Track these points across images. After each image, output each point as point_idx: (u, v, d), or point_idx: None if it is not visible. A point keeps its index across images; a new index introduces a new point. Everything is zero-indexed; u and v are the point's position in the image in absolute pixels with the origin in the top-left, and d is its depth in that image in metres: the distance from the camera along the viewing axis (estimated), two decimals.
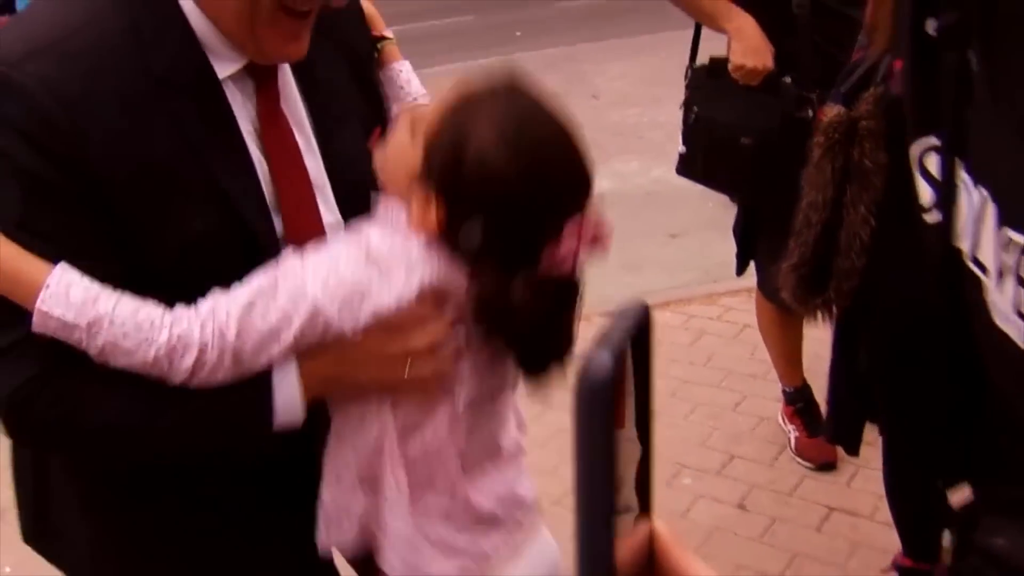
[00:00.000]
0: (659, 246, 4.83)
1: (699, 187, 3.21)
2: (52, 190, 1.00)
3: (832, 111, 1.74)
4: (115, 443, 1.10)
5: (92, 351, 0.99)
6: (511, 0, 11.34)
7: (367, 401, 1.14)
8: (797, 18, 2.55)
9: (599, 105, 7.34)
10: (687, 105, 2.88)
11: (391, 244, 1.06)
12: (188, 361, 1.01)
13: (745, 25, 2.61)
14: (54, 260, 0.98)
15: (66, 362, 1.01)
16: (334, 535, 1.20)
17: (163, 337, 1.00)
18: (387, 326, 1.06)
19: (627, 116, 6.89)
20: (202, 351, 1.01)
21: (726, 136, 2.70)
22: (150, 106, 1.04)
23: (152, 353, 1.00)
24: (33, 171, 0.99)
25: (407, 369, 1.08)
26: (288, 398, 1.08)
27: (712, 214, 4.42)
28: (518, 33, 9.98)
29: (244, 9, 1.03)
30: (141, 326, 1.00)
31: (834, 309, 1.82)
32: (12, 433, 1.11)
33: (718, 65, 2.74)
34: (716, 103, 2.74)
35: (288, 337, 1.03)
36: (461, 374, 1.13)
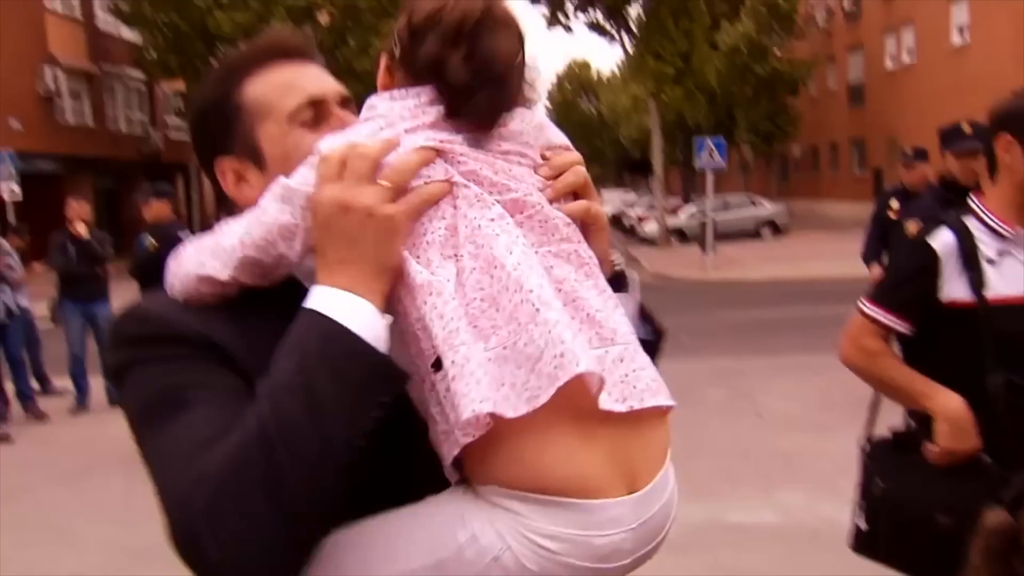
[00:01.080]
0: None
1: None
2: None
3: (996, 517, 1.67)
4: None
5: None
6: (673, 303, 11.48)
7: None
8: (993, 399, 2.35)
9: (763, 425, 7.07)
10: (866, 474, 2.58)
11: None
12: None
13: (951, 404, 2.39)
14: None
15: None
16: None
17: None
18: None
19: (793, 441, 6.57)
20: None
21: (920, 516, 2.37)
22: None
23: None
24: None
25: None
26: (338, 306, 1.06)
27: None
28: (683, 338, 9.90)
29: None
30: None
31: None
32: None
33: (905, 441, 2.49)
34: (906, 477, 2.44)
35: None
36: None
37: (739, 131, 38.22)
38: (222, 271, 1.15)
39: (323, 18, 30.14)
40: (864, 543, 2.60)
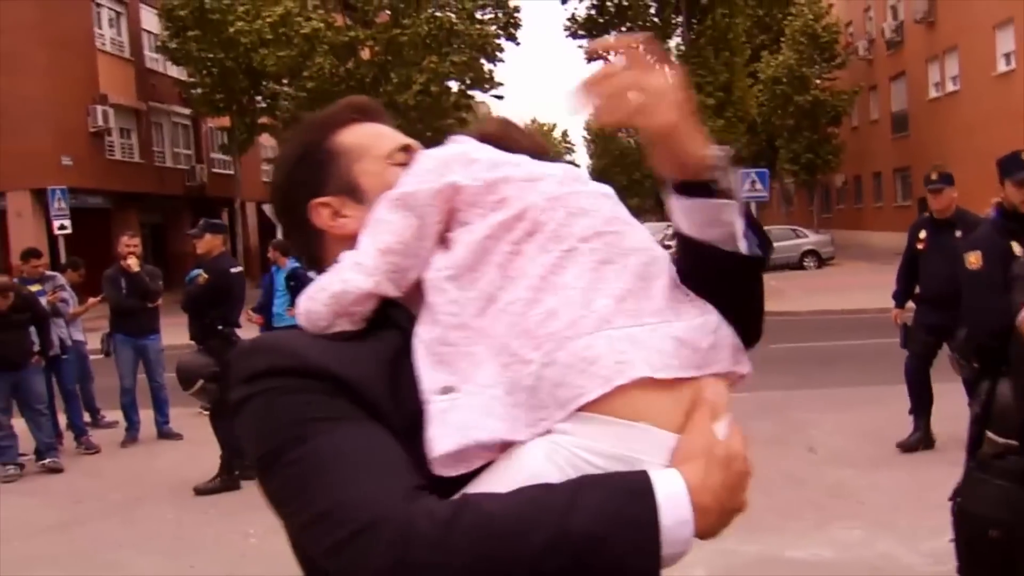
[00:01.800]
0: None
1: None
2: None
3: None
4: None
5: None
6: None
7: None
8: None
9: (815, 460, 6.96)
10: (955, 490, 2.68)
11: None
12: None
13: None
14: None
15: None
16: None
17: None
18: None
19: (846, 476, 6.46)
20: None
21: (981, 528, 2.42)
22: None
23: None
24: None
25: None
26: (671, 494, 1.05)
27: None
28: None
29: None
30: None
31: None
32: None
33: (984, 458, 2.53)
34: (978, 493, 2.51)
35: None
36: None
37: (781, 161, 38.04)
38: (366, 281, 1.22)
39: (365, 54, 30.58)
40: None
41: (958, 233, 6.80)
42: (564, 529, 1.01)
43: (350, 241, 1.29)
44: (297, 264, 11.16)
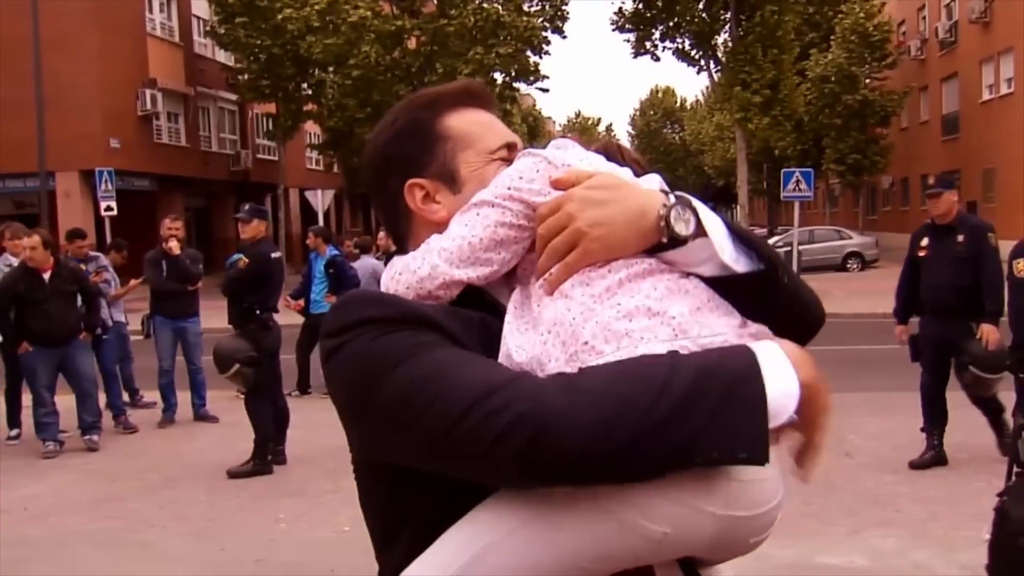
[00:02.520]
0: None
1: None
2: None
3: None
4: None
5: None
6: None
7: None
8: None
9: (852, 465, 6.85)
10: (1003, 492, 2.64)
11: None
12: None
13: None
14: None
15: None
16: None
17: None
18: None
19: (883, 483, 6.35)
20: None
21: (1014, 532, 2.37)
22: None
23: None
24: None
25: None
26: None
27: None
28: None
29: None
30: None
31: None
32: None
33: None
34: (1022, 495, 2.45)
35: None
36: None
37: (827, 161, 37.57)
38: (455, 271, 1.24)
39: (411, 43, 30.66)
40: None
41: (960, 238, 6.62)
42: (676, 363, 1.07)
43: (436, 228, 1.31)
44: (336, 252, 11.24)
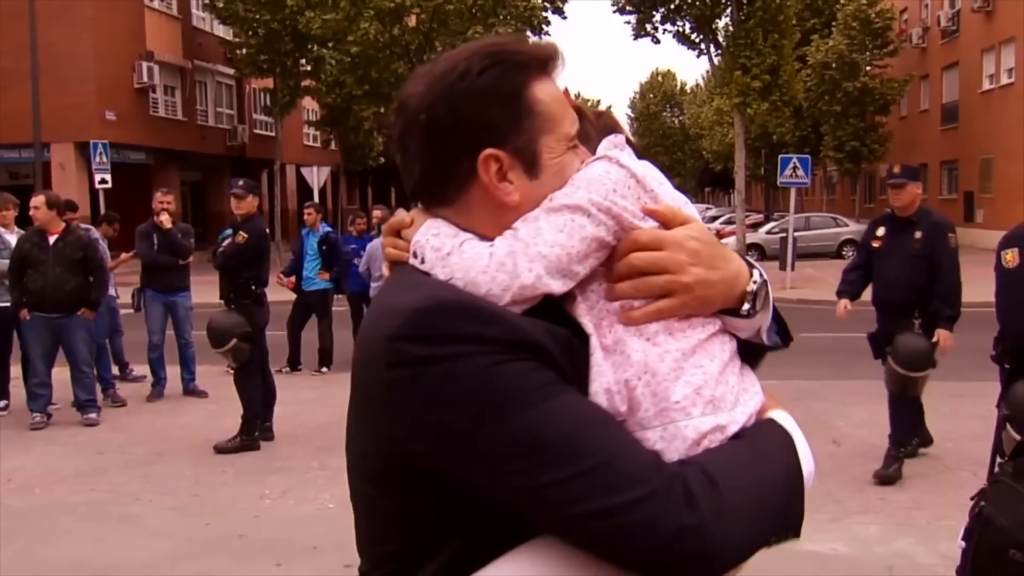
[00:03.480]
0: None
1: None
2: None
3: None
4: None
5: None
6: None
7: None
8: None
9: (839, 453, 6.86)
10: (981, 493, 2.53)
11: None
12: None
13: None
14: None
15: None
16: None
17: None
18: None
19: (869, 471, 6.34)
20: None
21: (1000, 542, 2.30)
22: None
23: None
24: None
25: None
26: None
27: None
28: None
29: None
30: None
31: None
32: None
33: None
34: (1009, 505, 2.37)
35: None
36: None
37: (825, 148, 37.48)
38: (555, 284, 1.18)
39: (411, 21, 30.46)
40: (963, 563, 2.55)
41: (918, 234, 6.31)
42: (773, 463, 1.24)
43: (497, 209, 1.21)
44: (330, 229, 11.19)
